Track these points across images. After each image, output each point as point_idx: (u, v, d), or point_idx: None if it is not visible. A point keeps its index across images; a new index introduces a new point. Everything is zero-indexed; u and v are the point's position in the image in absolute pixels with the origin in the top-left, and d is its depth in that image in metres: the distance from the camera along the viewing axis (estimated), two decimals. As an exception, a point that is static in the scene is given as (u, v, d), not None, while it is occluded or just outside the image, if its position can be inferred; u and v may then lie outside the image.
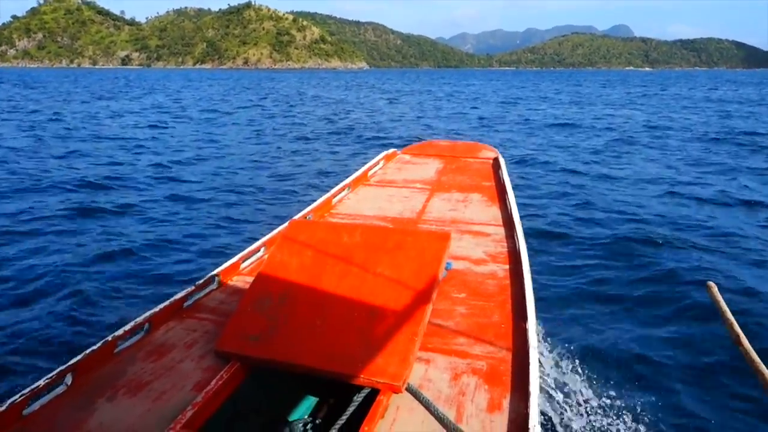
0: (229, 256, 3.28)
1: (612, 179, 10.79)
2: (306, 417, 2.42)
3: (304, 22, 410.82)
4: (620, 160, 12.98)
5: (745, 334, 1.64)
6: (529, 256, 3.14)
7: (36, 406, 2.01)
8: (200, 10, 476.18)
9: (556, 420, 3.17)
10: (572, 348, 3.98)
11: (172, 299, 2.70)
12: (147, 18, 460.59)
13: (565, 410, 3.29)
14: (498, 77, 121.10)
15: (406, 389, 2.05)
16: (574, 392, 3.49)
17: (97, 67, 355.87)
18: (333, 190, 4.66)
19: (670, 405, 3.51)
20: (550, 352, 3.86)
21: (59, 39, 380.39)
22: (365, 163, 5.60)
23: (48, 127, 19.03)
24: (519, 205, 4.18)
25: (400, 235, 2.77)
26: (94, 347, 2.27)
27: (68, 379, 2.14)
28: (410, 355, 2.12)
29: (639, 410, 3.40)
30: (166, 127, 19.95)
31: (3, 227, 7.23)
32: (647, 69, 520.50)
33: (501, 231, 3.83)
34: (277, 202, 8.99)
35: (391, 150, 6.27)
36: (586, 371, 3.73)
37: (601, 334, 4.34)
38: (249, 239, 5.46)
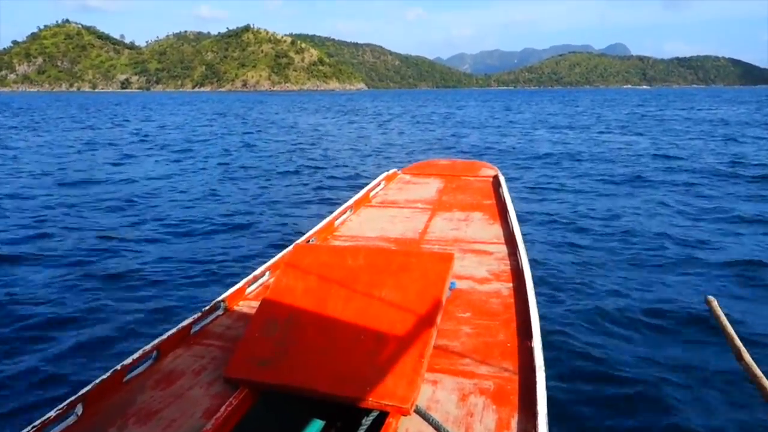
0: (233, 282, 3.31)
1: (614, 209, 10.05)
2: None
3: (303, 45, 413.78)
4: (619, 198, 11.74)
5: (746, 348, 1.63)
6: (532, 273, 3.18)
7: None
8: (200, 33, 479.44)
9: None
10: (577, 366, 4.04)
11: (179, 326, 2.72)
12: (147, 42, 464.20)
13: (573, 429, 3.27)
14: (495, 97, 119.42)
15: (415, 411, 2.05)
16: (581, 411, 3.50)
17: (96, 90, 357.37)
18: (335, 213, 4.69)
19: (672, 422, 3.52)
20: (556, 370, 3.86)
21: (59, 63, 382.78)
22: (366, 185, 5.64)
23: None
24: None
25: (404, 256, 2.79)
26: (104, 376, 2.28)
27: (79, 409, 2.16)
28: (418, 377, 2.13)
29: (642, 427, 3.43)
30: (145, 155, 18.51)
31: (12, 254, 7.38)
32: (645, 87, 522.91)
33: (503, 249, 3.85)
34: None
35: (392, 170, 6.29)
36: (592, 389, 3.76)
37: (603, 348, 4.37)
38: (253, 265, 5.67)
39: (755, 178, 12.86)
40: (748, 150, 18.62)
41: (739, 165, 15.01)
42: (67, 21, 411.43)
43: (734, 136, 24.01)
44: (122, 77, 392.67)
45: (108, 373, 2.31)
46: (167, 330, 2.68)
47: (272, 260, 3.61)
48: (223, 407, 2.14)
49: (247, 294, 3.30)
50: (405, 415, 2.05)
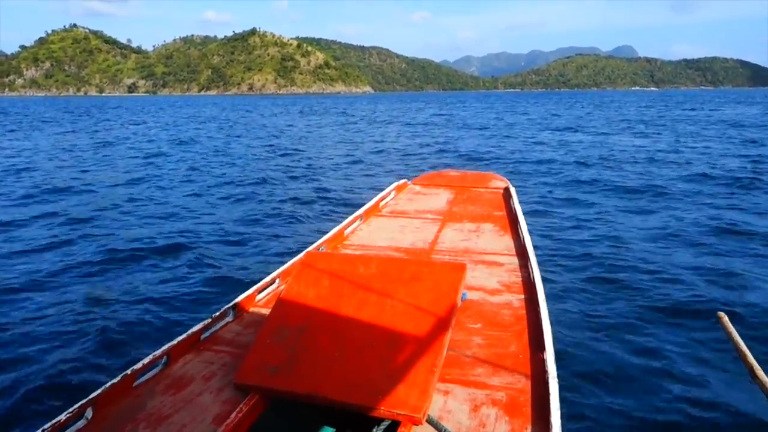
0: (242, 289, 3.32)
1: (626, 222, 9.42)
2: None
3: (309, 48, 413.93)
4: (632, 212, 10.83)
5: (759, 365, 1.58)
6: (543, 285, 3.18)
7: None
8: (206, 37, 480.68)
9: None
10: (590, 379, 4.04)
11: (189, 332, 2.72)
12: (154, 46, 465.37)
13: None
14: (497, 99, 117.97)
15: (427, 421, 2.04)
16: (595, 424, 3.50)
17: (103, 95, 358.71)
18: (345, 221, 4.70)
19: None
20: (569, 382, 3.86)
21: (66, 68, 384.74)
22: (375, 195, 5.67)
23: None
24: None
25: (416, 266, 2.80)
26: (114, 381, 2.29)
27: (89, 413, 2.16)
28: (430, 387, 2.12)
29: None
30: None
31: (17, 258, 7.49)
32: (653, 89, 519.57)
33: (515, 261, 3.85)
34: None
35: (402, 180, 6.31)
36: (605, 402, 3.76)
37: (616, 362, 4.37)
38: (263, 271, 5.80)
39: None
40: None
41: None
42: (75, 25, 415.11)
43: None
44: (129, 81, 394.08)
45: (118, 378, 2.30)
46: (177, 335, 2.68)
47: (283, 267, 3.61)
48: (234, 413, 2.14)
49: (257, 301, 3.30)
50: (417, 425, 2.04)
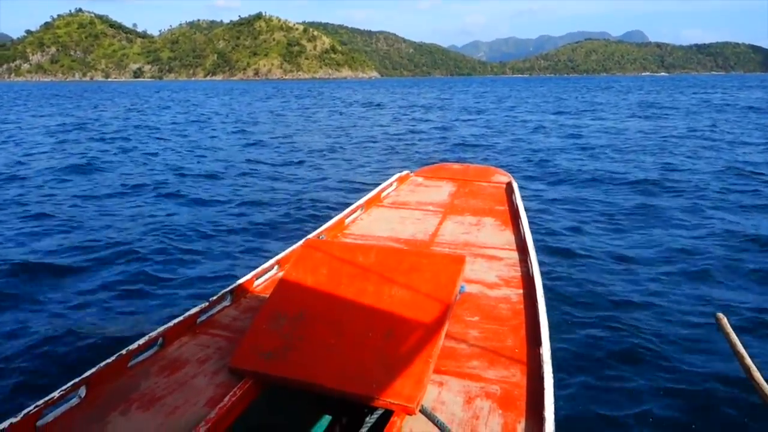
0: (240, 274, 3.32)
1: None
2: None
3: (315, 32, 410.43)
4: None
5: (756, 367, 1.59)
6: (543, 281, 3.16)
7: (50, 417, 2.03)
8: (212, 22, 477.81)
9: None
10: (586, 375, 4.04)
11: (185, 315, 2.72)
12: (160, 31, 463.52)
13: None
14: (504, 84, 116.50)
15: (420, 411, 2.05)
16: (589, 420, 3.51)
17: (109, 80, 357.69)
18: (346, 211, 4.70)
19: None
20: (564, 378, 3.86)
21: (72, 53, 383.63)
22: (378, 185, 5.70)
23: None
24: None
25: (415, 257, 2.79)
26: (108, 360, 2.28)
27: (82, 392, 2.16)
28: (425, 377, 2.12)
29: None
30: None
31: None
32: (663, 74, 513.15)
33: (515, 255, 3.85)
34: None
35: (404, 172, 6.33)
36: (600, 399, 3.76)
37: (612, 358, 4.38)
38: (262, 257, 5.80)
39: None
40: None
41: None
42: (80, 10, 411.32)
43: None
44: (135, 66, 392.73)
45: (113, 358, 2.30)
46: (173, 318, 2.67)
47: (281, 254, 3.61)
48: (227, 397, 2.14)
49: (255, 286, 3.30)
50: (410, 415, 2.04)
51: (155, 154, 16.29)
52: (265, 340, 2.39)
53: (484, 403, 2.13)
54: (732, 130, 20.06)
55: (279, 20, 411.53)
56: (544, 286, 3.09)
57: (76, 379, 2.14)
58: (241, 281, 3.17)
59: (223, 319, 2.87)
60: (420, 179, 6.30)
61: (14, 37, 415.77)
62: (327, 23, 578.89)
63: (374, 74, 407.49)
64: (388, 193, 5.66)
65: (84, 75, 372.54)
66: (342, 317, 2.46)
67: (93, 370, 2.21)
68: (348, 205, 4.96)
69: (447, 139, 19.73)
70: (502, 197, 5.47)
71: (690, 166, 13.06)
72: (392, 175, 6.16)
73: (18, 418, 1.91)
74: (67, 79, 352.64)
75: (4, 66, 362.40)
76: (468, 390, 2.22)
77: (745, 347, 1.68)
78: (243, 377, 2.28)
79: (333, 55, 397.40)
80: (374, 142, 19.23)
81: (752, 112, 28.75)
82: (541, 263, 3.47)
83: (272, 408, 2.47)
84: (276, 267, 3.51)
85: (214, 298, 2.93)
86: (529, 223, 4.35)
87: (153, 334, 2.51)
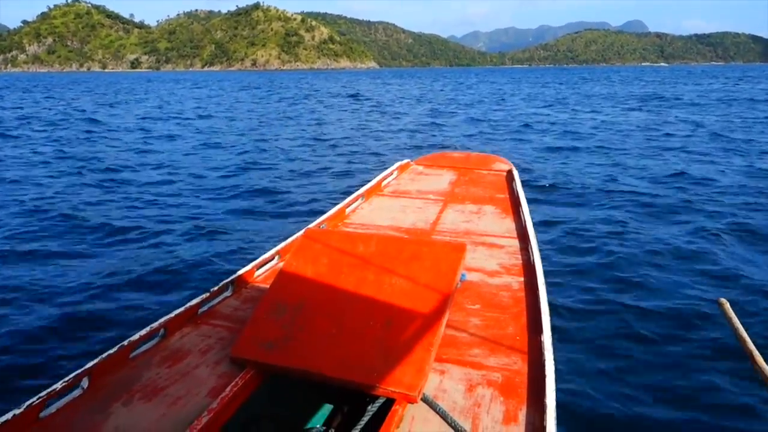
0: (241, 265, 3.33)
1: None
2: (320, 425, 2.45)
3: (313, 23, 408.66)
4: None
5: (759, 352, 1.61)
6: (543, 268, 3.18)
7: (53, 408, 2.05)
8: (211, 12, 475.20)
9: None
10: (587, 362, 4.06)
11: (186, 305, 2.73)
12: (158, 21, 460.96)
13: (582, 424, 3.28)
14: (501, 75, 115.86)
15: (422, 399, 2.06)
16: (590, 406, 3.52)
17: (106, 70, 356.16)
18: (347, 200, 4.71)
19: (681, 419, 3.50)
20: (565, 365, 3.86)
21: (69, 43, 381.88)
22: (378, 174, 5.70)
23: None
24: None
25: (416, 245, 2.80)
26: (110, 351, 2.30)
27: (84, 383, 2.18)
28: (426, 365, 2.14)
29: (651, 422, 3.44)
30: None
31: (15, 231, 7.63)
32: (663, 64, 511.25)
33: (515, 243, 3.85)
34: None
35: (405, 161, 6.29)
36: (601, 385, 3.77)
37: (613, 345, 4.38)
38: (262, 247, 5.86)
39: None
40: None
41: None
42: (77, 0, 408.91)
43: None
44: (132, 57, 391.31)
45: (115, 349, 2.32)
46: (175, 308, 2.68)
47: (282, 244, 3.61)
48: (229, 387, 2.16)
49: (256, 276, 3.31)
50: (412, 403, 2.05)
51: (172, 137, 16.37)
52: (267, 330, 2.41)
53: (486, 391, 2.15)
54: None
55: (277, 10, 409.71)
56: (545, 274, 3.10)
57: (79, 371, 2.16)
58: (242, 271, 3.17)
59: (225, 310, 2.88)
60: (420, 168, 6.28)
61: (11, 27, 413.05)
62: (326, 13, 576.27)
63: (373, 65, 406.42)
64: (389, 182, 5.64)
65: (81, 66, 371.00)
66: (343, 306, 2.47)
67: (95, 361, 2.23)
68: (348, 194, 4.95)
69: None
70: (502, 185, 5.46)
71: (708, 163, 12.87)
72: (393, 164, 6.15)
73: (21, 410, 1.93)
74: (64, 70, 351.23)
75: (0, 57, 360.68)
76: (469, 378, 2.24)
77: (747, 332, 1.68)
78: (245, 367, 2.30)
79: (331, 46, 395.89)
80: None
81: None
82: (541, 250, 3.47)
83: (274, 398, 2.49)
84: (277, 257, 3.52)
85: (215, 288, 2.94)
86: (530, 210, 4.35)
87: (155, 324, 2.53)
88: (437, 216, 4.53)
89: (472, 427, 1.95)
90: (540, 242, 3.72)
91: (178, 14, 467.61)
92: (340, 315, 2.43)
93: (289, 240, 3.68)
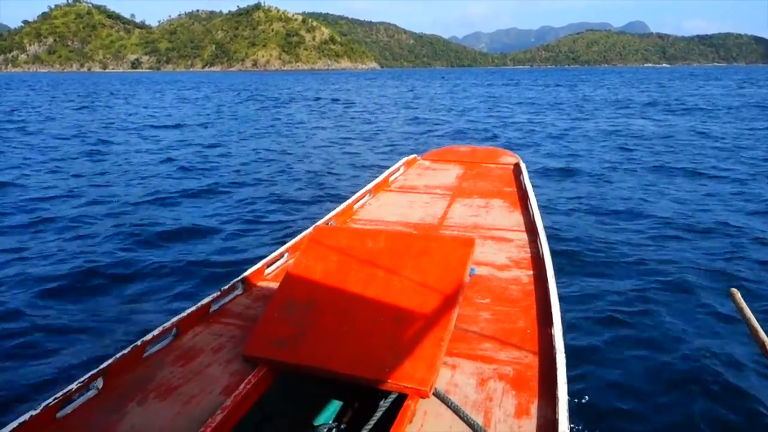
0: (251, 263, 3.34)
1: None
2: (331, 422, 2.47)
3: (314, 23, 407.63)
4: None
5: None
6: (552, 261, 3.16)
7: (69, 409, 2.07)
8: (212, 12, 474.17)
9: (584, 427, 3.13)
10: (598, 354, 4.05)
11: (198, 304, 2.74)
12: (159, 21, 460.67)
13: (594, 417, 3.28)
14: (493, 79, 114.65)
15: (434, 394, 2.07)
16: (601, 398, 3.51)
17: (107, 71, 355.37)
18: (354, 196, 4.69)
19: (693, 411, 3.47)
20: (576, 357, 3.81)
21: (70, 43, 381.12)
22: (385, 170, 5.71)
23: None
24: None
25: (425, 240, 2.80)
26: (124, 351, 2.32)
27: (99, 383, 2.20)
28: (437, 360, 2.14)
29: (663, 414, 3.41)
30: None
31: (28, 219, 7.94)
32: (665, 65, 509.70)
33: (524, 237, 3.83)
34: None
35: (412, 156, 6.32)
36: (612, 377, 3.77)
37: (624, 336, 4.36)
38: (271, 245, 6.05)
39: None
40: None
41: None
42: (78, 0, 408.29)
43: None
44: (132, 57, 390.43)
45: (128, 349, 2.33)
46: (186, 308, 2.69)
47: (291, 242, 3.62)
48: (242, 385, 2.17)
49: (266, 275, 3.31)
50: (424, 398, 2.06)
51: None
52: (278, 328, 2.41)
53: (498, 385, 2.15)
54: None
55: (278, 11, 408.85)
56: (554, 267, 3.09)
57: (93, 371, 2.18)
58: (251, 270, 3.18)
59: (236, 308, 2.89)
60: (427, 162, 6.28)
61: (11, 27, 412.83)
62: (327, 14, 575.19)
63: (374, 65, 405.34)
64: (396, 178, 5.63)
65: (81, 66, 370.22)
66: (353, 303, 2.47)
67: (109, 361, 2.24)
68: (356, 190, 4.94)
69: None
70: (510, 178, 5.45)
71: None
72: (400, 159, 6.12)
73: (38, 411, 1.95)
74: (65, 70, 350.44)
75: (1, 57, 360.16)
76: (481, 372, 2.23)
77: (759, 322, 1.67)
78: (257, 365, 2.31)
79: (332, 46, 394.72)
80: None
81: None
82: (550, 243, 3.46)
83: (286, 395, 2.49)
84: (286, 255, 3.52)
85: (226, 287, 2.95)
86: (537, 203, 4.33)
87: (167, 324, 2.54)
88: (445, 210, 4.51)
89: (484, 421, 1.95)
90: (548, 232, 3.71)
91: (179, 14, 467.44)
92: (351, 311, 2.42)
93: (298, 237, 3.68)
